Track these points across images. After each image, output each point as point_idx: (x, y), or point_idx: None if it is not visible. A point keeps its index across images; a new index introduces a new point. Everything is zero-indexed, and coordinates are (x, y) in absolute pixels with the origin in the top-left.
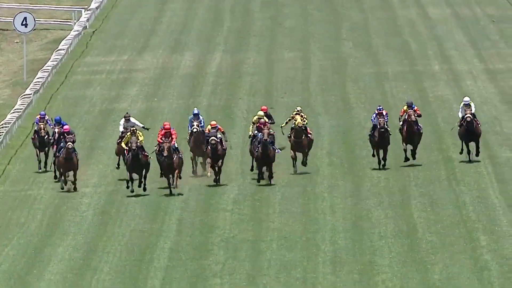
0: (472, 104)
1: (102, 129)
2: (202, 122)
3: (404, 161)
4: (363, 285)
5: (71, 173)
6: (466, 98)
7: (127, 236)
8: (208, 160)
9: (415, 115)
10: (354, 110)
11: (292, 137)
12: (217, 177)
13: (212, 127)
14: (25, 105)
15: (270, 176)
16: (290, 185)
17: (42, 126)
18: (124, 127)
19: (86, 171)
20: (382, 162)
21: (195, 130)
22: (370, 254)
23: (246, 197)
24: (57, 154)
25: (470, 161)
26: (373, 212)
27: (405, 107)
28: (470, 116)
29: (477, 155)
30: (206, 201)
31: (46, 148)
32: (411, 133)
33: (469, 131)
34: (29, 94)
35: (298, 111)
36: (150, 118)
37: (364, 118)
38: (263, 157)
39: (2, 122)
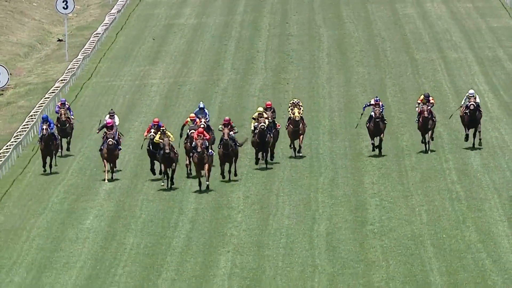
0: (477, 96)
1: (166, 38)
2: (207, 116)
3: (422, 142)
4: (352, 150)
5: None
6: (471, 91)
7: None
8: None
9: (428, 110)
10: (345, 24)
11: (290, 126)
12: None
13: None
14: (111, 20)
15: (233, 173)
16: (298, 78)
17: (63, 111)
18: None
19: (152, 69)
20: (377, 150)
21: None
22: (357, 127)
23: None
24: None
25: (473, 147)
26: (359, 96)
27: (421, 97)
28: (474, 104)
29: (479, 143)
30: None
31: (70, 132)
32: (426, 123)
33: (472, 119)
34: (113, 13)
35: (295, 103)
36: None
37: (353, 30)
38: (224, 155)
39: (94, 33)
